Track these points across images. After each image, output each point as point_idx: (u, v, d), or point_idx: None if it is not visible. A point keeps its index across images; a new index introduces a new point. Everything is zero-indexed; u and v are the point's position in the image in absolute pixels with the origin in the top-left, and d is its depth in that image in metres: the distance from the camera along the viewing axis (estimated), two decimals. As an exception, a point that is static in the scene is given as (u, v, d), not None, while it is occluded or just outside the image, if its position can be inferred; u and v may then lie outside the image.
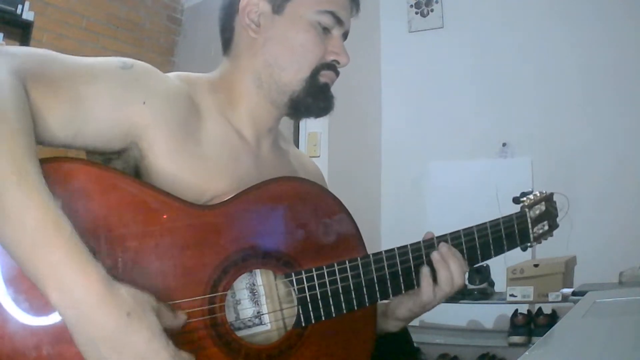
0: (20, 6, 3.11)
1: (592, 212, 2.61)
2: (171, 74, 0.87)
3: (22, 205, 0.58)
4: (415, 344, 1.20)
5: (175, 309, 0.68)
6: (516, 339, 2.49)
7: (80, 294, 0.58)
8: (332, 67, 0.91)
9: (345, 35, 0.93)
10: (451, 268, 0.86)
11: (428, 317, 2.87)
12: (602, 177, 2.67)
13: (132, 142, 0.76)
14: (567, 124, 2.82)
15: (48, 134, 0.68)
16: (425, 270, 0.87)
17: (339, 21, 0.89)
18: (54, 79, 0.69)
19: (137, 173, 0.78)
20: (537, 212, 0.99)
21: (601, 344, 0.67)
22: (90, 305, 0.58)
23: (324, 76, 0.90)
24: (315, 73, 0.89)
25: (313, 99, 0.89)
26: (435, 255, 0.87)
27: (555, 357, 0.64)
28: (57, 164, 0.65)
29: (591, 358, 0.60)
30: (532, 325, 2.51)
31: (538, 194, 1.01)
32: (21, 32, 3.21)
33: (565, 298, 2.21)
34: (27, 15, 3.16)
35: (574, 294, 1.96)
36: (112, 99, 0.74)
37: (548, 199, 1.02)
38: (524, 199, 1.00)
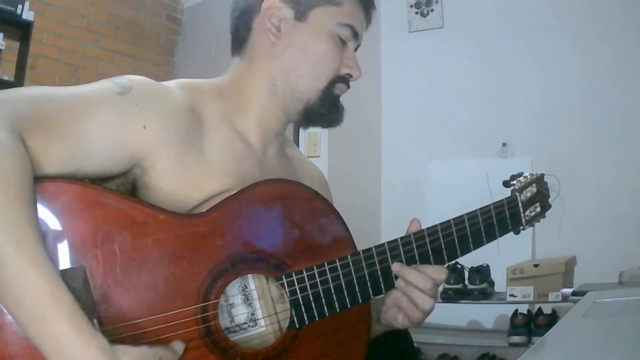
0: (20, 6, 3.11)
1: (592, 212, 2.61)
2: (172, 82, 0.86)
3: (19, 280, 0.58)
4: (415, 344, 1.20)
5: (170, 339, 0.68)
6: (516, 339, 2.49)
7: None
8: (346, 80, 0.91)
9: (355, 50, 0.94)
10: (415, 291, 0.84)
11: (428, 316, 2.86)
12: (602, 177, 2.67)
13: (134, 164, 0.76)
14: (567, 124, 2.82)
15: (51, 175, 0.68)
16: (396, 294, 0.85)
17: (355, 35, 0.90)
18: (49, 121, 0.68)
19: (133, 189, 0.78)
20: (529, 194, 0.98)
21: (601, 344, 0.67)
22: None
23: (338, 88, 0.91)
24: (331, 84, 0.89)
25: (327, 109, 0.90)
26: (399, 283, 0.84)
27: (555, 357, 0.64)
28: (43, 185, 0.65)
29: (591, 358, 0.60)
30: (532, 325, 2.51)
31: (529, 176, 1.00)
32: (21, 32, 3.22)
33: (565, 298, 2.21)
34: (27, 15, 3.16)
35: (574, 294, 1.96)
36: (111, 130, 0.73)
37: (539, 180, 1.01)
38: (514, 182, 0.99)
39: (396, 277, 0.85)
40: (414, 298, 0.84)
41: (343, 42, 0.90)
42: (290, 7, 0.88)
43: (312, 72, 0.88)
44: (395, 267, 0.84)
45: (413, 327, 0.89)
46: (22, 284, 0.58)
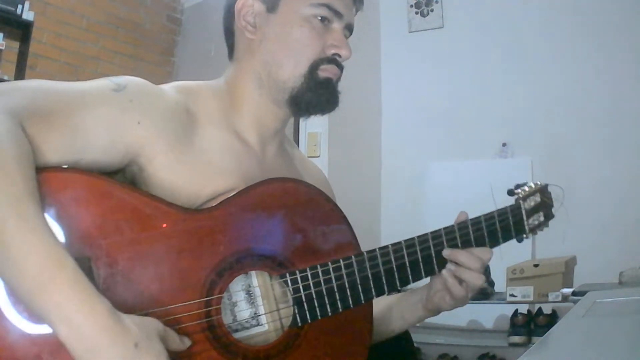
0: (20, 6, 3.11)
1: (592, 212, 2.61)
2: (168, 85, 0.87)
3: (22, 250, 0.58)
4: (415, 344, 1.20)
5: (180, 334, 0.69)
6: (516, 339, 2.49)
7: (88, 329, 0.58)
8: (333, 60, 0.89)
9: (350, 29, 0.92)
10: (471, 267, 0.88)
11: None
12: (602, 177, 2.67)
13: (131, 160, 0.77)
14: (567, 124, 2.82)
15: (51, 164, 0.68)
16: (445, 273, 0.89)
17: (336, 13, 0.88)
18: (48, 113, 0.69)
19: (133, 184, 0.78)
20: (532, 203, 0.99)
21: (601, 344, 0.67)
22: (99, 339, 0.59)
23: (324, 71, 0.88)
24: (313, 68, 0.87)
25: (313, 93, 0.88)
26: (450, 266, 0.88)
27: (555, 357, 0.64)
28: (51, 174, 0.66)
29: (591, 358, 0.60)
30: (532, 325, 2.51)
31: (533, 185, 1.00)
32: (21, 32, 3.21)
33: (565, 298, 2.21)
34: (27, 15, 3.16)
35: (574, 294, 1.96)
36: (107, 125, 0.74)
37: (542, 190, 1.02)
38: (518, 190, 0.99)
39: (439, 264, 0.88)
40: (465, 277, 0.88)
41: (326, 23, 0.88)
42: (261, 1, 0.89)
43: (291, 58, 0.87)
44: (447, 251, 0.88)
45: (460, 306, 0.93)
46: (25, 254, 0.58)
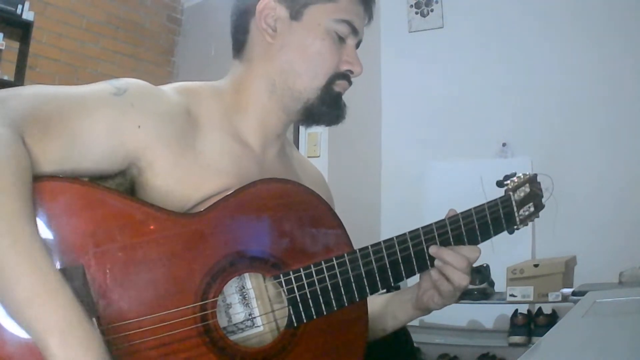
0: (20, 6, 3.12)
1: (592, 212, 2.61)
2: (169, 86, 0.86)
3: (16, 271, 0.57)
4: (415, 344, 1.20)
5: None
6: (516, 339, 2.49)
7: (81, 354, 0.58)
8: (346, 76, 0.90)
9: (357, 45, 0.93)
10: (456, 266, 0.87)
11: (428, 317, 2.86)
12: (602, 177, 2.67)
13: (130, 163, 0.76)
14: (567, 124, 2.82)
15: (47, 173, 0.68)
16: (432, 273, 0.89)
17: (354, 30, 0.89)
18: (47, 120, 0.69)
19: (132, 188, 0.78)
20: (522, 194, 0.98)
21: (601, 344, 0.67)
22: None
23: (338, 85, 0.90)
24: (330, 82, 0.88)
25: (327, 107, 0.89)
26: (437, 263, 0.87)
27: (555, 357, 0.64)
28: (42, 184, 0.65)
29: (591, 358, 0.60)
30: (532, 325, 2.51)
31: (522, 176, 1.00)
32: (21, 32, 3.22)
33: (565, 298, 2.21)
34: (27, 15, 3.16)
35: (574, 294, 1.96)
36: (106, 130, 0.73)
37: (532, 180, 1.01)
38: (508, 182, 0.99)
39: (431, 259, 0.88)
40: (451, 276, 0.87)
41: (341, 39, 0.89)
42: (285, 6, 0.88)
43: (310, 70, 0.88)
44: (433, 249, 0.88)
45: (448, 304, 0.92)
46: (19, 277, 0.57)
